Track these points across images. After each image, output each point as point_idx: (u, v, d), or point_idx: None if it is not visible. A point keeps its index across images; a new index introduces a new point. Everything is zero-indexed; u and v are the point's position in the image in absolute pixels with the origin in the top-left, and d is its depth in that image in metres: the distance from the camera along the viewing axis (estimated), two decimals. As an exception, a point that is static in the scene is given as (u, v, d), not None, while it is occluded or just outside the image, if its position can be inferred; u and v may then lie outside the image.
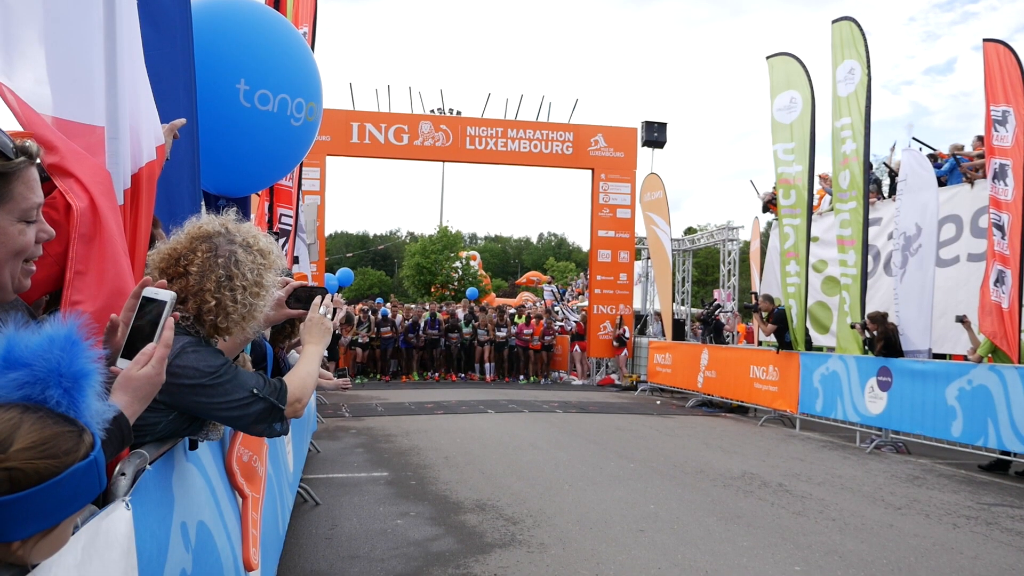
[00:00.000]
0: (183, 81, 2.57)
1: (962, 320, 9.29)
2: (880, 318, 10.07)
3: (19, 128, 1.62)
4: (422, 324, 18.95)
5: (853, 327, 10.50)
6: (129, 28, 1.91)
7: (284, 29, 4.38)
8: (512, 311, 21.03)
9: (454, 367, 19.20)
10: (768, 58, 12.58)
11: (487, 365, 19.21)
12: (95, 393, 1.12)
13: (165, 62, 2.38)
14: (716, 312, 16.66)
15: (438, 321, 19.15)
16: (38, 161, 1.36)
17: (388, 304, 20.89)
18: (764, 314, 12.36)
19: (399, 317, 19.00)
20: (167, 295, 1.50)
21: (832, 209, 13.09)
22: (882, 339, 9.90)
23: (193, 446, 2.18)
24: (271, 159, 4.42)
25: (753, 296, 13.66)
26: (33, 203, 1.34)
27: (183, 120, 2.32)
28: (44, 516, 1.03)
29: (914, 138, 12.58)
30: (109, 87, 1.81)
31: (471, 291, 32.22)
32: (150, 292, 1.49)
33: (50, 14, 1.77)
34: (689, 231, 37.57)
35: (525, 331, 19.10)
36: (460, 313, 20.02)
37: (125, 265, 1.69)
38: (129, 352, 1.47)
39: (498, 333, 19.08)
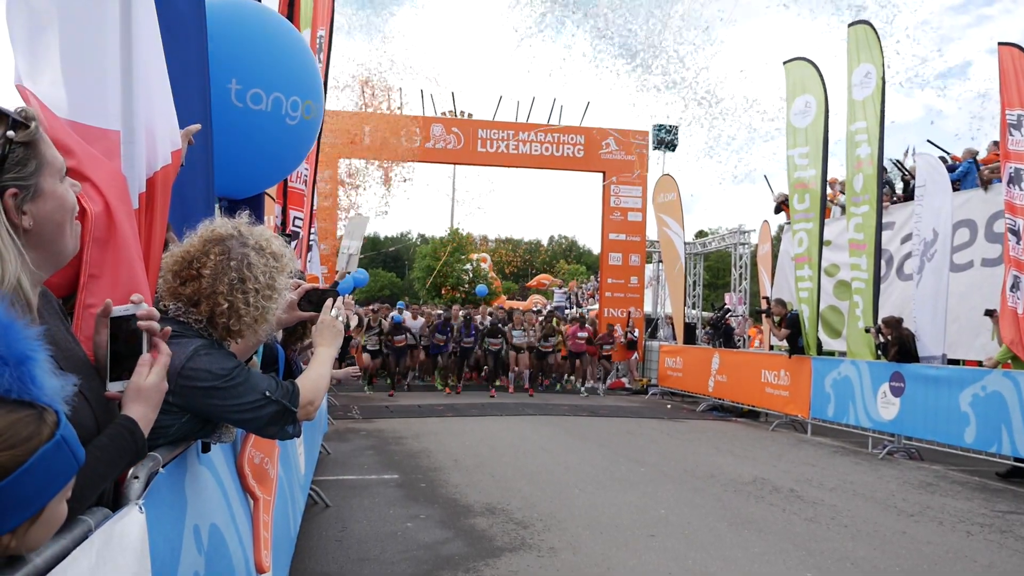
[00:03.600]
0: (197, 86, 2.58)
1: (991, 314, 9.19)
2: (895, 322, 10.00)
3: None
4: (454, 328, 16.28)
5: (868, 331, 10.44)
6: (148, 32, 1.92)
7: (277, 27, 4.29)
8: (551, 307, 19.80)
9: (490, 375, 16.57)
10: (785, 63, 12.58)
11: (524, 372, 16.69)
12: (46, 371, 1.07)
13: (179, 67, 2.39)
14: (726, 316, 16.59)
15: (473, 326, 16.43)
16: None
17: (407, 309, 18.49)
18: (776, 318, 12.30)
19: (419, 321, 16.75)
20: (137, 308, 1.49)
21: (844, 213, 13.05)
22: (896, 343, 9.83)
23: (206, 449, 2.19)
24: (268, 159, 4.37)
25: (764, 300, 13.59)
26: (62, 160, 1.35)
27: (198, 126, 2.33)
28: (23, 506, 1.01)
29: (928, 140, 12.54)
30: (125, 91, 1.82)
31: (480, 288, 32.02)
32: (117, 312, 1.47)
33: (65, 18, 1.78)
34: (700, 234, 37.43)
35: (580, 334, 16.73)
36: (479, 319, 17.78)
37: (139, 269, 1.70)
38: (117, 374, 1.46)
39: (544, 343, 16.51)
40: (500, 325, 16.88)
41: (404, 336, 15.88)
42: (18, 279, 1.19)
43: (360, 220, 17.59)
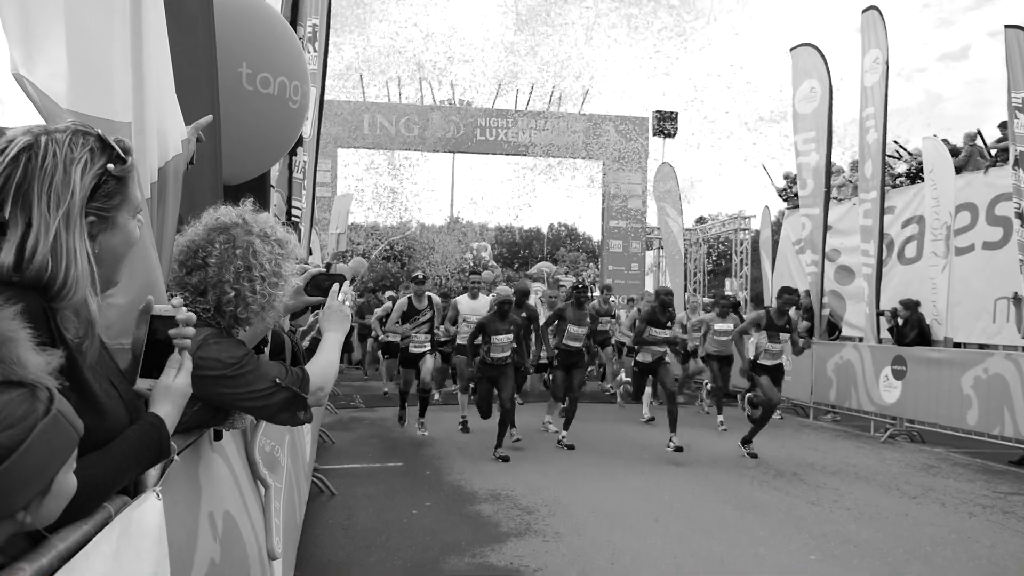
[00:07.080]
0: (205, 76, 2.57)
1: (1017, 299, 9.21)
2: (913, 305, 10.01)
3: (41, 122, 1.63)
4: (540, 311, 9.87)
5: (882, 314, 10.47)
6: (156, 23, 1.92)
7: (270, 11, 4.38)
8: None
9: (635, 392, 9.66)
10: (791, 49, 12.64)
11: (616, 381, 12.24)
12: (29, 349, 1.07)
13: (187, 57, 2.38)
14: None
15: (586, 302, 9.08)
16: None
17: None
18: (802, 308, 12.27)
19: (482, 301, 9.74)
20: (174, 311, 1.52)
21: (845, 196, 13.06)
22: (916, 327, 9.85)
23: (218, 436, 2.20)
24: (273, 142, 4.40)
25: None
26: (140, 199, 1.40)
27: (210, 117, 2.32)
28: (31, 482, 1.02)
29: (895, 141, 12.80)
30: (136, 82, 1.82)
31: (486, 274, 31.72)
32: (159, 311, 1.51)
33: (70, 9, 1.77)
34: (700, 220, 37.42)
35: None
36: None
37: (154, 258, 1.70)
38: (148, 371, 1.49)
39: (696, 333, 11.03)
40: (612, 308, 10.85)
41: None
42: (84, 298, 1.25)
43: (344, 199, 17.55)
